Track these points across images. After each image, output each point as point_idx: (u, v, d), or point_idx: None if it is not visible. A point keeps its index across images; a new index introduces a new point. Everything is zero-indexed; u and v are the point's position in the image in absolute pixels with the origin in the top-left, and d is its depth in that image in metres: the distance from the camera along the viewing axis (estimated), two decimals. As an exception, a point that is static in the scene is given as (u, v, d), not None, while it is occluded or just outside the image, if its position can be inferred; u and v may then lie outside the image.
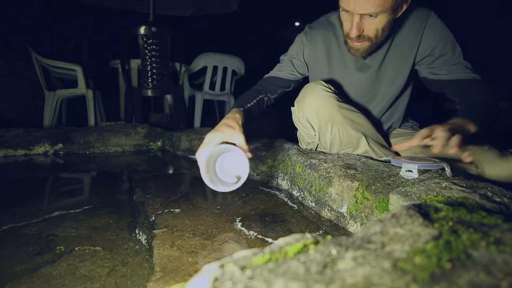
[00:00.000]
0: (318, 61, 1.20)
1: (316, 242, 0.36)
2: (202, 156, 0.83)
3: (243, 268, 0.31)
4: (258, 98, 1.19)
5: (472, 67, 1.06)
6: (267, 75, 1.28)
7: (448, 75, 1.08)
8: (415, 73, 1.16)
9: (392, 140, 1.22)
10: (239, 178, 0.88)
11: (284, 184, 1.08)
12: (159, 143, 1.94)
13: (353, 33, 0.95)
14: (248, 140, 0.87)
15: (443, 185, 0.58)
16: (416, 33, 1.07)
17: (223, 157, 0.93)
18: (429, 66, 1.10)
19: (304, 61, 1.23)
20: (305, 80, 1.27)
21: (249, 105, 1.14)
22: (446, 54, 1.06)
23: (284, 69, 1.25)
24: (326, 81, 1.09)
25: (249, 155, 0.83)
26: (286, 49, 1.28)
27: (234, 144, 0.84)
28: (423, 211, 0.41)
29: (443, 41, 1.06)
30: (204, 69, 3.09)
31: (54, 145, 1.68)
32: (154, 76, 2.48)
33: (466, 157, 0.84)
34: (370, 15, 0.91)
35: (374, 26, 0.95)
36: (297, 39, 1.25)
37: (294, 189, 1.02)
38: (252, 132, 1.26)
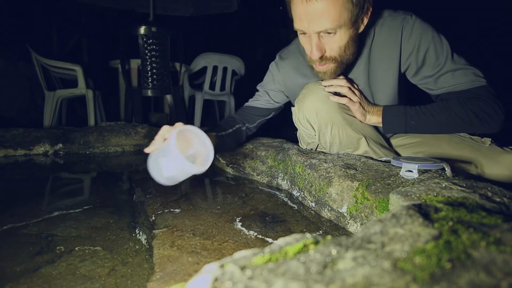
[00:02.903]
0: (295, 89, 1.16)
1: (316, 242, 0.36)
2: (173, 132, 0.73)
3: (243, 268, 0.31)
4: (235, 128, 1.17)
5: (468, 66, 0.95)
6: (246, 104, 1.28)
7: (438, 89, 0.99)
8: (406, 80, 1.07)
9: (392, 141, 1.22)
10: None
11: (284, 184, 1.08)
12: (159, 143, 1.93)
13: (314, 55, 0.89)
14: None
15: (443, 185, 0.58)
16: (394, 41, 0.98)
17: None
18: (417, 78, 1.01)
19: (281, 90, 1.22)
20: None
21: (223, 133, 1.11)
22: (429, 62, 0.96)
23: (261, 99, 1.24)
24: None
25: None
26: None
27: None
28: (423, 211, 0.41)
29: (424, 47, 0.95)
30: (204, 69, 3.09)
31: (54, 145, 1.68)
32: (154, 76, 2.48)
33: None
34: (328, 33, 0.86)
35: (335, 44, 0.88)
36: (270, 69, 1.23)
37: (294, 189, 1.02)
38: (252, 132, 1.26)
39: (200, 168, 0.72)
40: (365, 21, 0.91)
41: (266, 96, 1.24)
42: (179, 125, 0.80)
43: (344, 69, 0.99)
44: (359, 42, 0.97)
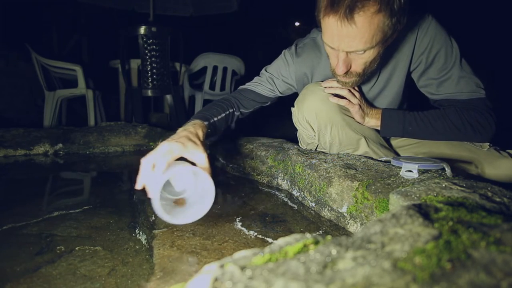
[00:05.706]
0: (306, 83, 1.14)
1: (316, 242, 0.36)
2: (160, 174, 0.70)
3: (243, 268, 0.31)
4: (227, 112, 1.11)
5: (473, 76, 0.96)
6: (243, 86, 1.21)
7: (439, 94, 1.00)
8: (411, 83, 1.09)
9: (393, 142, 1.22)
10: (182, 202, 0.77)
11: (284, 184, 1.08)
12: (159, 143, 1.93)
13: (340, 71, 0.88)
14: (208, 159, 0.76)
15: (443, 185, 0.58)
16: (410, 38, 0.97)
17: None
18: (422, 78, 1.02)
19: (289, 83, 1.17)
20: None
21: (215, 119, 1.05)
22: (437, 64, 0.97)
23: (264, 85, 1.18)
24: None
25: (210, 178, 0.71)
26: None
27: (194, 164, 0.74)
28: (423, 211, 0.41)
29: (436, 48, 0.96)
30: (204, 69, 3.09)
31: (54, 145, 1.68)
32: (154, 76, 2.48)
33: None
34: (358, 52, 0.83)
35: (362, 61, 0.86)
36: (284, 57, 1.16)
37: (294, 189, 1.02)
38: (252, 132, 1.26)
39: (177, 220, 0.69)
40: (395, 36, 0.87)
41: (270, 84, 1.18)
42: (161, 156, 0.74)
43: None
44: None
